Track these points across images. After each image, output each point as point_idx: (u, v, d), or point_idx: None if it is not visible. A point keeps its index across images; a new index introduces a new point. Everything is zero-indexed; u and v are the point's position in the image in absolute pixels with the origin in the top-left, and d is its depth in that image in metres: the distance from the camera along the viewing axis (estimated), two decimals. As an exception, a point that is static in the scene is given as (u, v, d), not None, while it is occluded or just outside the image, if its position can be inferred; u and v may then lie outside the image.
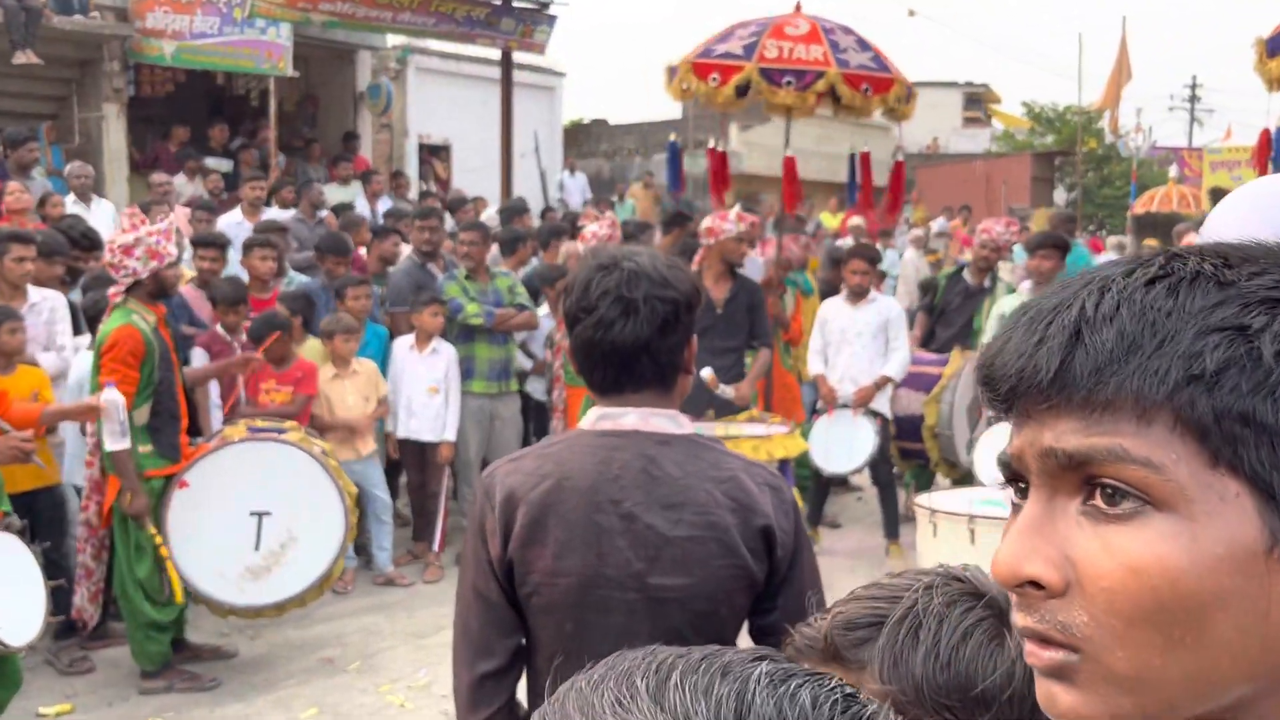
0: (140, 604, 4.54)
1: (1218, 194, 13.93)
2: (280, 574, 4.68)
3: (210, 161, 11.07)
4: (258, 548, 4.67)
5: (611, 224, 6.65)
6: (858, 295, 6.21)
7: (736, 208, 6.21)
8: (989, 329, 6.19)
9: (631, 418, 1.67)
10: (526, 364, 6.92)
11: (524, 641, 1.70)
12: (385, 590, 5.83)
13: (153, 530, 4.45)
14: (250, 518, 4.66)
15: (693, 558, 1.61)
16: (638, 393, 1.67)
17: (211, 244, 6.17)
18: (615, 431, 1.67)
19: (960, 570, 0.98)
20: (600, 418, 1.69)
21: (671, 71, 6.35)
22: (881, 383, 6.09)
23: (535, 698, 1.73)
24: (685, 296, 1.66)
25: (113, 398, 4.23)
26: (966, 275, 7.03)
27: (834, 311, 6.32)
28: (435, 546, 6.14)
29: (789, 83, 5.75)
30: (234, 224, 8.22)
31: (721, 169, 6.99)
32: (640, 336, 1.62)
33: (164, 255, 4.39)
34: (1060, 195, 28.45)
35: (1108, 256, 9.42)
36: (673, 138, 7.75)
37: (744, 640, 1.73)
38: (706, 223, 5.89)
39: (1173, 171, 22.40)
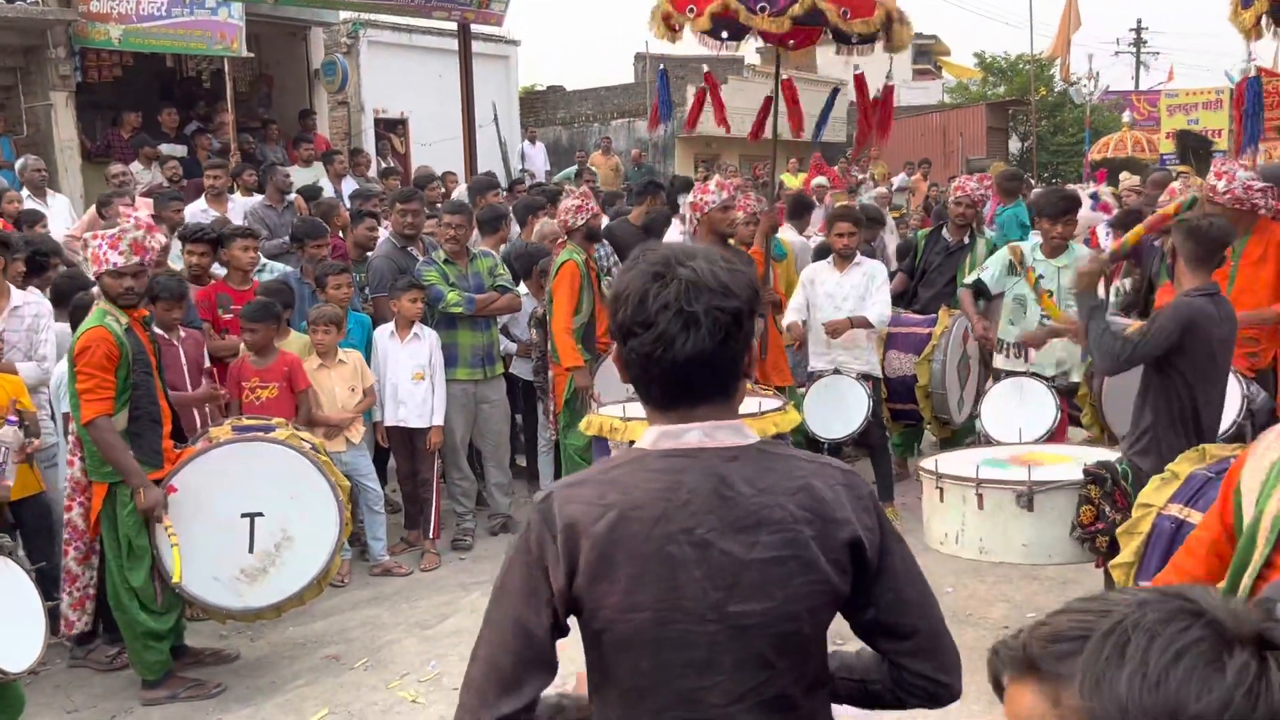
0: (136, 613, 4.43)
1: (1183, 137, 14.10)
2: (276, 575, 4.59)
3: (165, 148, 10.77)
4: (251, 550, 4.57)
5: (583, 195, 6.50)
6: (845, 259, 6.17)
7: (716, 176, 6.13)
8: (989, 273, 6.04)
9: (695, 434, 1.56)
10: (511, 347, 6.83)
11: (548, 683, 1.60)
12: (383, 581, 5.76)
13: (168, 522, 4.32)
14: (242, 519, 4.56)
15: (773, 580, 1.53)
16: (696, 407, 1.58)
17: (201, 239, 5.98)
18: (679, 451, 1.56)
19: (1182, 587, 0.91)
20: (661, 436, 1.59)
21: (658, 14, 6.15)
22: (859, 322, 6.00)
23: None
24: (747, 303, 1.56)
25: (5, 436, 4.13)
26: (946, 234, 7.02)
27: (821, 275, 6.28)
28: (430, 534, 6.07)
29: (763, 8, 5.59)
30: (198, 213, 8.01)
31: (714, 95, 6.82)
32: (704, 351, 1.52)
33: (103, 261, 4.25)
34: (1015, 145, 28.62)
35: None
36: (661, 66, 7.50)
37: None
38: (689, 198, 5.82)
39: (1126, 117, 22.56)
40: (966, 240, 6.92)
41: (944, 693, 1.64)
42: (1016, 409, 5.71)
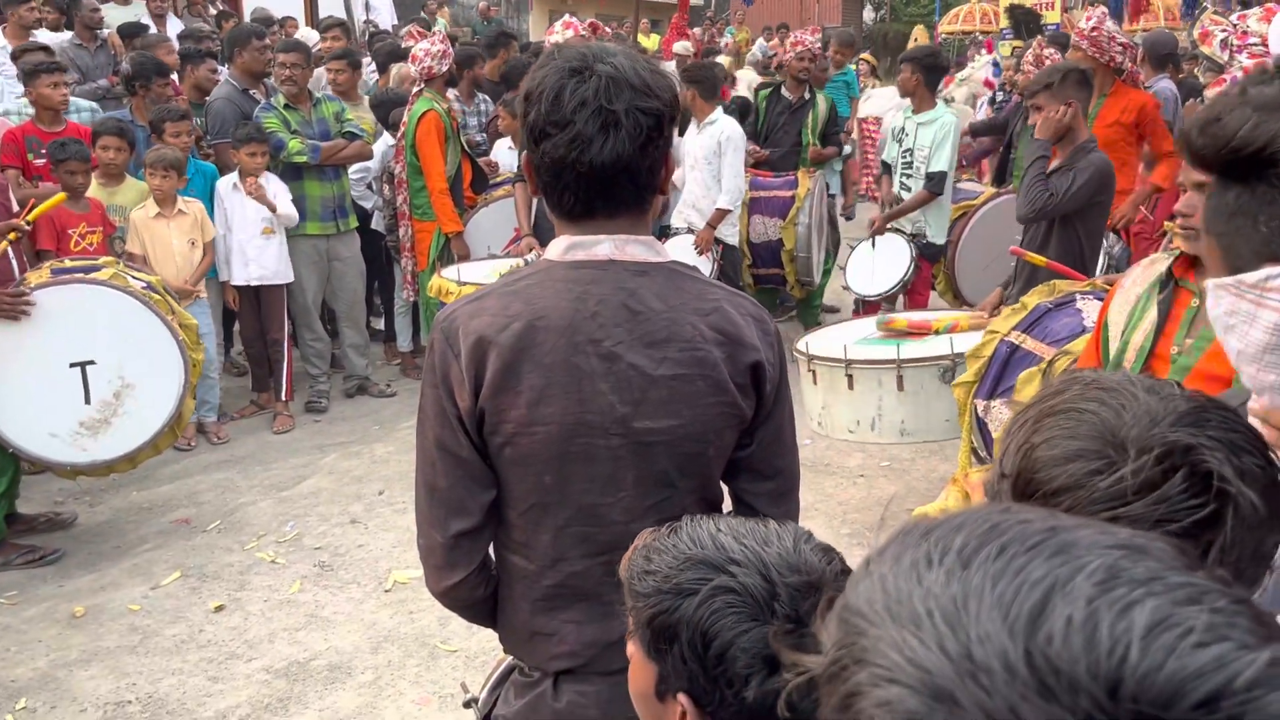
0: (-40, 477, 4.11)
1: (1013, 11, 14.34)
2: (122, 424, 4.29)
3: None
4: (89, 400, 4.26)
5: (444, 39, 6.17)
6: (699, 117, 6.03)
7: (588, 20, 5.86)
8: (887, 151, 6.06)
9: (606, 246, 1.49)
10: (376, 201, 6.47)
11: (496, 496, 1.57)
12: (235, 444, 5.51)
13: None
14: (71, 369, 4.22)
15: (680, 398, 1.49)
16: (612, 219, 1.50)
17: None
18: (589, 262, 1.49)
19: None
20: (570, 247, 1.51)
21: None
22: (716, 220, 5.95)
23: (507, 553, 1.62)
24: (669, 106, 1.48)
25: None
26: (785, 92, 6.95)
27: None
28: (283, 395, 5.82)
29: None
30: (-4, 49, 7.20)
31: None
32: (621, 155, 1.43)
33: None
34: (869, 14, 28.74)
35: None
36: None
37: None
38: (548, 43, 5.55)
39: (973, -13, 22.75)
40: (806, 96, 6.90)
41: None
42: (874, 262, 5.82)
